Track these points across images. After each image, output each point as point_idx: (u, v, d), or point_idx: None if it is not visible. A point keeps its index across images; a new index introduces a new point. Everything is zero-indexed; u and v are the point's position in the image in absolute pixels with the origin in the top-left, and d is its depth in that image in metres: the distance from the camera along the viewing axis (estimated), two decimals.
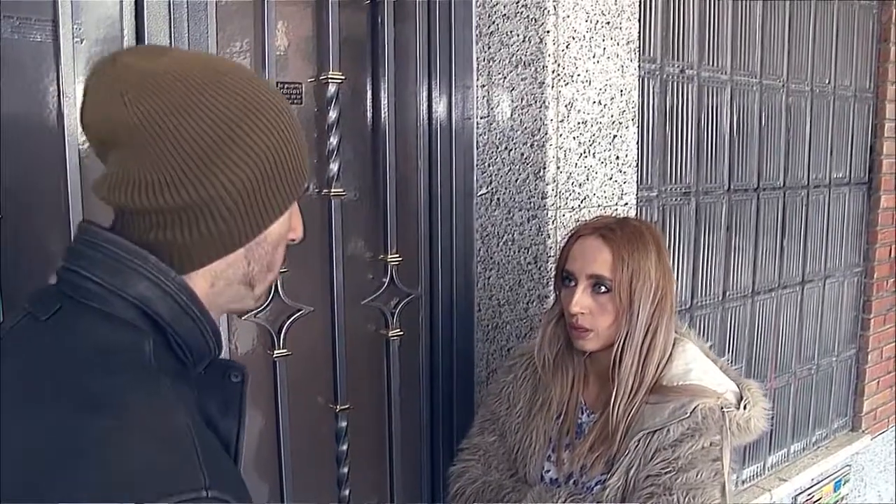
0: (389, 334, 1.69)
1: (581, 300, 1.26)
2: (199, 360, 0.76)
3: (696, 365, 1.29)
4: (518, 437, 1.37)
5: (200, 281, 0.75)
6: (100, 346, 0.68)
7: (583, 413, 1.34)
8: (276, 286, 1.49)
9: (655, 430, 1.21)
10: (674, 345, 1.32)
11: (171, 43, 1.32)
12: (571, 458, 1.30)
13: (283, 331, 1.53)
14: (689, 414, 1.20)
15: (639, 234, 1.27)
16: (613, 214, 1.73)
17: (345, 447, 1.65)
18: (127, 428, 0.62)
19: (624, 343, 1.25)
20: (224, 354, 1.43)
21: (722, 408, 1.23)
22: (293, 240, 0.83)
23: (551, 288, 1.58)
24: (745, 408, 1.25)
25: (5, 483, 0.59)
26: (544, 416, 1.35)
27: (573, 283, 1.28)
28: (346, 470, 1.66)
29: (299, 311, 1.54)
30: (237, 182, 0.70)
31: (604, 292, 1.25)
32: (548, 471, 1.33)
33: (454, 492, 1.40)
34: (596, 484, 1.27)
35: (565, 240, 1.34)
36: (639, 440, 1.22)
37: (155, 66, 0.68)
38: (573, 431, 1.32)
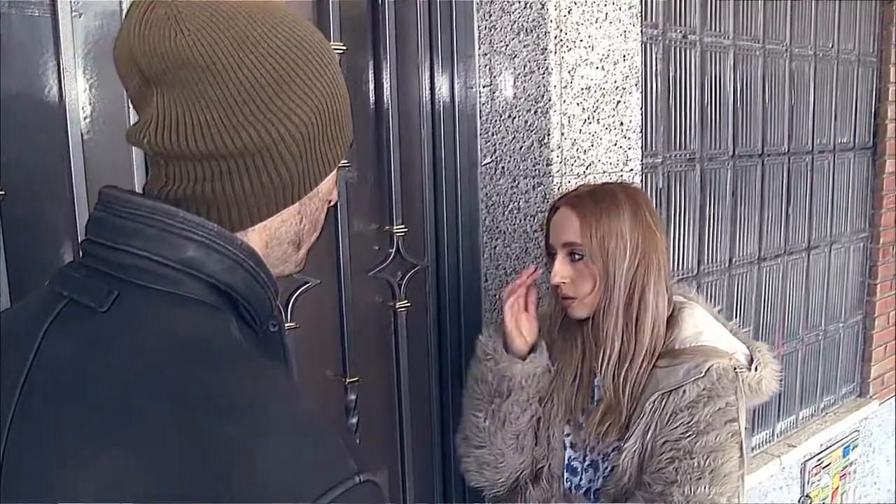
0: (397, 306, 1.69)
1: (559, 270, 1.26)
2: (264, 324, 0.70)
3: (706, 327, 1.29)
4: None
5: (257, 240, 0.68)
6: (188, 336, 0.60)
7: (596, 377, 1.34)
8: None
9: (671, 391, 1.21)
10: (681, 308, 1.31)
11: None
12: (586, 431, 1.30)
13: (290, 304, 1.52)
14: (703, 374, 1.20)
15: (610, 196, 1.26)
16: (594, 181, 1.70)
17: (354, 420, 1.65)
18: (262, 430, 0.53)
19: (605, 307, 1.25)
20: None
21: (735, 368, 1.23)
22: (331, 202, 0.77)
23: None
24: (756, 369, 1.26)
25: None
26: (563, 383, 1.35)
27: (554, 256, 1.29)
28: (356, 443, 1.66)
29: (306, 283, 1.53)
30: (300, 125, 0.64)
31: (578, 259, 1.25)
32: (567, 434, 1.34)
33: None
34: (613, 450, 1.27)
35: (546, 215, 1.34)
36: (654, 401, 1.22)
37: None
38: (588, 397, 1.33)
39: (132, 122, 0.67)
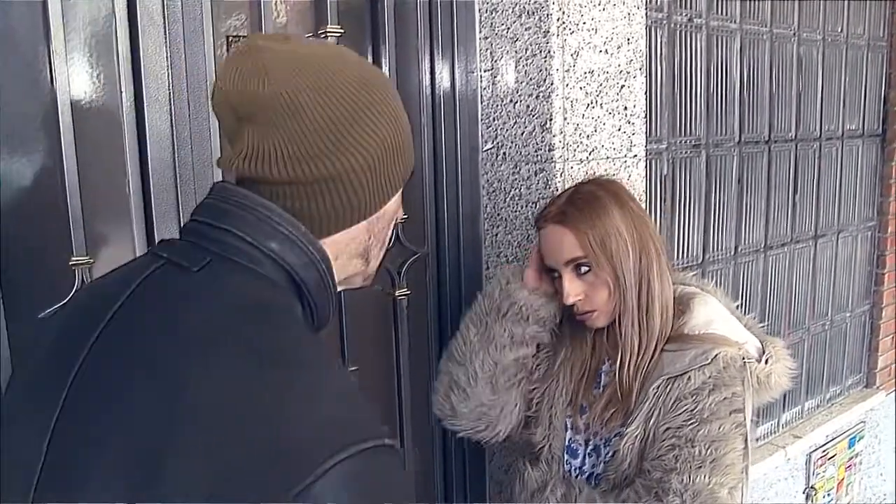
0: (396, 294, 1.66)
1: (571, 289, 1.25)
2: (321, 325, 0.80)
3: (717, 317, 1.28)
4: (544, 378, 1.38)
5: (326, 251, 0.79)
6: (260, 301, 0.71)
7: (603, 365, 1.34)
8: None
9: (676, 377, 1.20)
10: (693, 296, 1.31)
11: None
12: (590, 415, 1.30)
13: None
14: (710, 360, 1.19)
15: (592, 199, 1.26)
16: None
17: None
18: (307, 382, 0.64)
19: (621, 309, 1.25)
20: None
21: (743, 358, 1.22)
22: (399, 218, 0.88)
23: None
24: (766, 362, 1.24)
25: (187, 437, 0.60)
26: (570, 372, 1.35)
27: (558, 275, 1.28)
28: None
29: None
30: (367, 156, 0.75)
31: (587, 272, 1.25)
32: (569, 416, 1.34)
33: None
34: (615, 436, 1.26)
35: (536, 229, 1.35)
36: (658, 386, 1.21)
37: (290, 48, 0.73)
38: (592, 383, 1.33)
39: (222, 151, 0.83)
